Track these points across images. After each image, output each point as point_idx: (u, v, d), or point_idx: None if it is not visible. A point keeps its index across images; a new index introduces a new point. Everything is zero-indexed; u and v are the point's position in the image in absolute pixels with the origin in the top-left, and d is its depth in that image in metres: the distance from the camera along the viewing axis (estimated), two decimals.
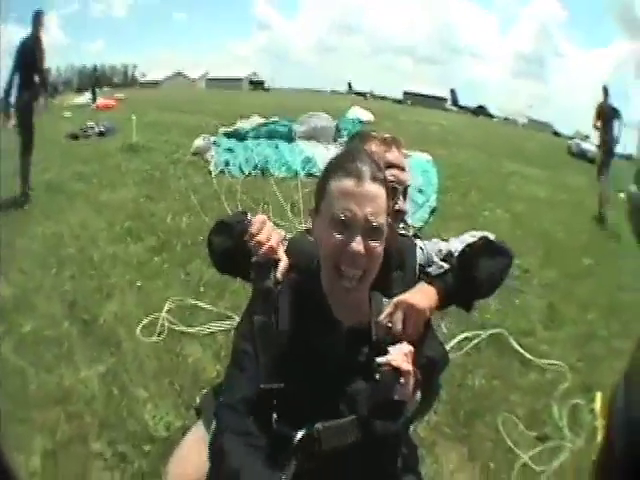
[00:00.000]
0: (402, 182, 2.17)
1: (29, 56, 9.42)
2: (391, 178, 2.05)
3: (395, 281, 2.07)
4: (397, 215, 2.15)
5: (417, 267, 2.24)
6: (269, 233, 1.81)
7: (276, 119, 15.14)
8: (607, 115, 12.85)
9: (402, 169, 2.19)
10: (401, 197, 2.18)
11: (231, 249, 1.93)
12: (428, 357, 1.80)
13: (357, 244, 1.60)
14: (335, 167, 1.72)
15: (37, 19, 9.51)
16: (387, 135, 2.25)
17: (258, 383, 1.63)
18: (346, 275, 1.65)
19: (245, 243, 1.78)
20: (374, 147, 2.16)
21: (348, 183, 1.63)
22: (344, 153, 1.83)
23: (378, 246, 1.64)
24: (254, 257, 1.76)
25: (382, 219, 1.65)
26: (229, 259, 2.00)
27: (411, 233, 2.51)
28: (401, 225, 2.37)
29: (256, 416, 1.63)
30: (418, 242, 2.34)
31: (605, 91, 13.04)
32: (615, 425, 1.53)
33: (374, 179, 1.65)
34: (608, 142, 13.05)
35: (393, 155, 2.18)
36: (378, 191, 1.65)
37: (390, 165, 2.12)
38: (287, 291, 1.79)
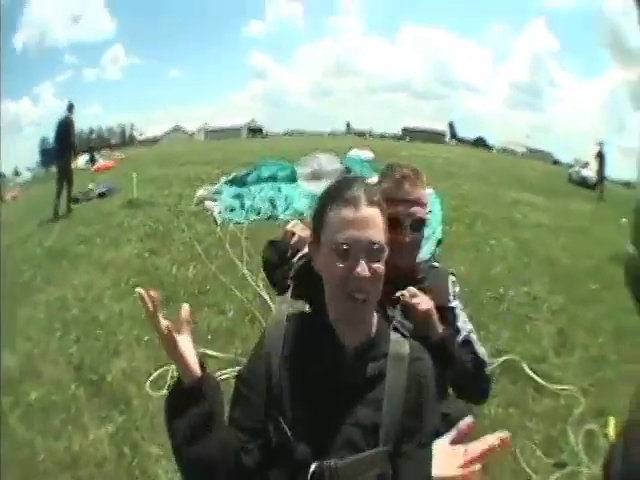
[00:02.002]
0: (408, 216, 2.31)
1: (63, 132, 14.16)
2: (395, 213, 2.21)
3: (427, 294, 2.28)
4: (404, 245, 2.28)
5: (451, 289, 2.51)
6: (300, 228, 2.39)
7: (276, 161, 15.13)
8: (601, 158, 21.45)
9: (411, 203, 2.32)
10: (408, 230, 2.31)
11: (279, 262, 2.33)
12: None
13: (362, 269, 1.62)
14: (331, 197, 1.75)
15: (70, 108, 14.40)
16: (402, 170, 2.36)
17: (258, 413, 1.69)
18: (355, 296, 1.65)
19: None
20: (386, 184, 2.35)
21: (346, 211, 1.66)
22: (338, 182, 1.86)
23: (380, 266, 1.67)
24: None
25: (381, 239, 1.68)
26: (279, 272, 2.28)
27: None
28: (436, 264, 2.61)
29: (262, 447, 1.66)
30: (451, 277, 2.57)
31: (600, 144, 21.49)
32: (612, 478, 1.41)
33: (370, 203, 1.69)
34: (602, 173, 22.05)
35: (402, 191, 2.32)
36: (375, 214, 1.69)
37: (398, 201, 2.29)
38: (294, 322, 1.84)
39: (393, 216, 2.09)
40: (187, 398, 1.54)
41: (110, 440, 4.33)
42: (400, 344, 1.79)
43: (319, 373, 1.70)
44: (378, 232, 1.67)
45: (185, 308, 1.62)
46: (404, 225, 2.27)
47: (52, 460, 4.13)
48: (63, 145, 14.29)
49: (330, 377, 1.69)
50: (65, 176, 14.35)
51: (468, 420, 1.80)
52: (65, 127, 14.21)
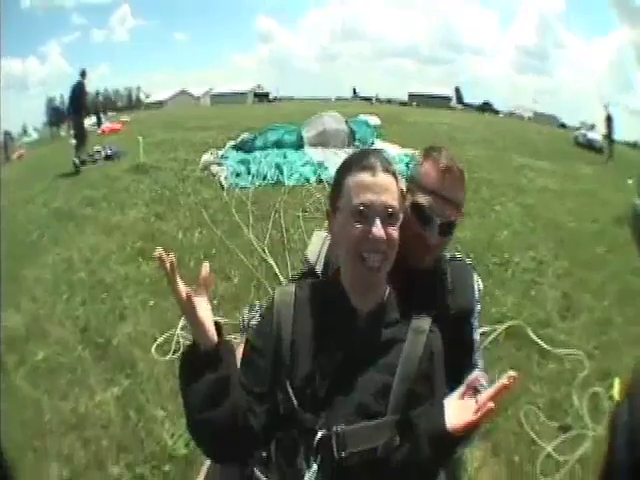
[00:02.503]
0: (439, 212, 2.02)
1: (77, 95, 15.21)
2: (426, 203, 2.02)
3: (450, 299, 2.15)
4: (425, 243, 2.02)
5: (477, 291, 2.27)
6: None
7: (283, 125, 15.08)
8: (609, 121, 20.93)
9: (447, 202, 2.04)
10: (436, 230, 2.02)
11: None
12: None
13: (378, 230, 1.66)
14: (350, 165, 1.79)
15: (83, 74, 15.28)
16: (451, 164, 2.09)
17: (265, 378, 1.72)
18: (369, 261, 1.69)
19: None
20: (430, 169, 2.09)
21: (364, 176, 1.71)
22: (357, 153, 1.89)
23: (395, 231, 1.70)
24: None
25: (397, 205, 1.72)
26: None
27: None
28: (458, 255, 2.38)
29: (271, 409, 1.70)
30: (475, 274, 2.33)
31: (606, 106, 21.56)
32: (618, 441, 1.46)
33: (386, 171, 1.74)
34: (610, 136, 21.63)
35: (444, 185, 2.05)
36: (391, 181, 1.74)
37: (435, 193, 2.03)
38: (304, 288, 1.88)
39: (422, 207, 2.00)
40: (205, 363, 1.55)
41: (116, 402, 4.37)
42: (421, 319, 1.82)
43: (331, 338, 1.73)
44: (393, 198, 1.71)
45: (206, 267, 1.59)
46: (433, 223, 2.01)
47: (58, 420, 4.18)
48: (76, 108, 15.40)
49: (343, 341, 1.72)
50: (80, 136, 15.42)
51: (477, 373, 1.78)
52: (78, 92, 15.29)
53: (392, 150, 13.67)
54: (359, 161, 1.76)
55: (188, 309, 1.53)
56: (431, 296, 2.04)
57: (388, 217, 1.69)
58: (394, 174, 1.77)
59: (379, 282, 1.80)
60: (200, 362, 1.56)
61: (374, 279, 1.75)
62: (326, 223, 1.89)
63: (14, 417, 4.16)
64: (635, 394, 1.42)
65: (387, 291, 1.85)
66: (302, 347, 1.73)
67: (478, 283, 2.30)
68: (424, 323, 1.81)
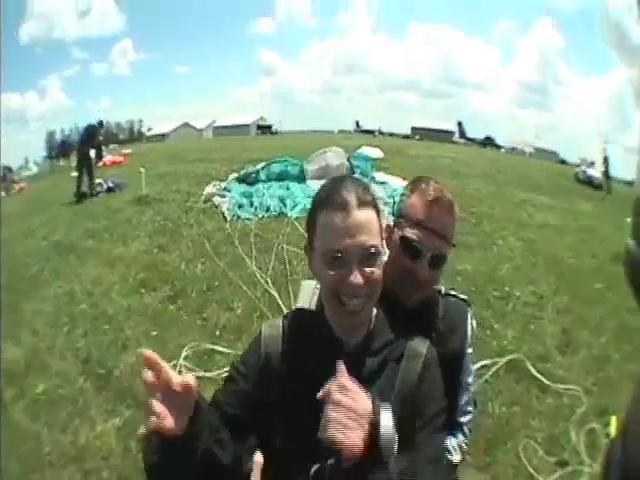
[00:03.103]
0: (429, 246, 1.96)
1: (90, 136, 16.96)
2: (415, 237, 1.96)
3: (440, 341, 1.98)
4: (417, 279, 1.95)
5: (469, 333, 2.20)
6: None
7: (286, 158, 15.14)
8: (606, 161, 22.79)
9: (436, 234, 1.98)
10: (426, 264, 1.96)
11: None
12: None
13: (355, 277, 1.55)
14: (321, 200, 1.67)
15: (100, 124, 18.16)
16: (440, 194, 2.03)
17: (245, 402, 1.66)
18: (349, 305, 1.59)
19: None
20: (417, 201, 2.03)
21: (336, 217, 1.58)
22: (329, 183, 1.75)
23: (376, 270, 1.60)
24: None
25: (376, 241, 1.60)
26: None
27: None
28: (452, 292, 2.28)
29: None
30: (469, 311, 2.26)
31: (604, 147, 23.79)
32: (611, 478, 1.39)
33: (361, 205, 1.60)
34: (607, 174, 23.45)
35: (431, 218, 1.98)
36: (368, 216, 1.60)
37: (424, 226, 1.97)
38: (291, 319, 1.82)
39: (411, 241, 1.95)
40: (181, 449, 1.39)
41: (117, 433, 4.34)
42: (418, 343, 1.75)
43: (319, 372, 1.56)
44: (372, 236, 1.60)
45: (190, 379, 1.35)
46: (423, 257, 1.96)
47: (58, 453, 4.14)
48: (87, 145, 16.79)
49: (331, 373, 1.53)
50: (89, 171, 16.33)
51: None
52: (91, 134, 17.21)
53: (394, 182, 13.72)
54: (331, 197, 1.63)
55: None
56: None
57: (367, 258, 1.58)
58: (373, 205, 1.66)
59: (362, 321, 1.71)
60: (174, 449, 1.38)
61: (356, 320, 1.67)
62: None
63: (13, 451, 4.11)
64: (629, 431, 1.37)
65: (374, 316, 1.77)
66: (291, 382, 1.68)
67: (472, 324, 2.23)
68: (420, 346, 1.75)
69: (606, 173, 23.19)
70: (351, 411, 1.39)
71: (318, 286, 2.07)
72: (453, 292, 2.26)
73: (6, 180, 24.80)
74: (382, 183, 14.04)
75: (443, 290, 2.23)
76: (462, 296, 2.30)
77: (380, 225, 1.65)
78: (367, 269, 1.57)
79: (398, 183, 13.22)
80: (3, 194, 22.87)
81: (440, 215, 2.00)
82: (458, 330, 2.15)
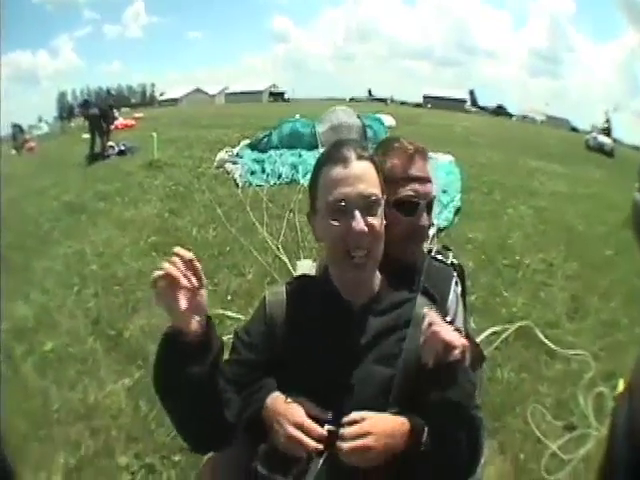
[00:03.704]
0: (424, 196, 2.00)
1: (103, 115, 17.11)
2: (411, 192, 1.98)
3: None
4: (419, 230, 2.00)
5: (451, 298, 2.11)
6: None
7: (297, 118, 15.12)
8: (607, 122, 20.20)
9: (425, 181, 2.02)
10: (424, 213, 2.00)
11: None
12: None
13: (358, 223, 1.60)
14: (322, 160, 1.75)
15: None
16: (410, 146, 2.05)
17: (251, 372, 1.68)
18: (355, 257, 1.65)
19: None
20: (395, 160, 2.02)
21: (336, 169, 1.66)
22: (329, 147, 1.82)
23: (377, 222, 1.65)
24: None
25: (376, 191, 1.67)
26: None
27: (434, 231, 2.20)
28: (439, 256, 2.27)
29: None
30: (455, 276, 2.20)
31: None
32: (617, 436, 1.44)
33: (360, 157, 1.68)
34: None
35: (415, 167, 2.02)
36: (366, 167, 1.68)
37: (412, 178, 2.00)
38: (295, 285, 1.86)
39: (407, 198, 1.96)
40: (196, 350, 1.44)
41: (127, 393, 4.34)
42: (425, 307, 1.73)
43: (326, 333, 1.69)
44: (371, 185, 1.66)
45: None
46: (420, 208, 1.98)
47: (66, 409, 4.16)
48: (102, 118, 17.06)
49: (338, 336, 1.69)
50: (96, 130, 16.67)
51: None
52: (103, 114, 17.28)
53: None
54: (331, 155, 1.72)
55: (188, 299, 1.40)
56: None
57: (368, 207, 1.63)
58: (372, 161, 1.72)
59: (368, 277, 1.76)
60: (190, 349, 1.44)
61: (362, 275, 1.71)
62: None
63: (20, 406, 4.15)
64: (635, 389, 1.40)
65: (379, 280, 1.82)
66: (297, 344, 1.70)
67: (456, 291, 2.16)
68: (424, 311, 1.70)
69: (608, 136, 23.30)
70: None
71: (314, 264, 2.24)
72: (440, 257, 2.26)
73: (16, 139, 24.75)
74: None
75: (434, 250, 2.28)
76: (451, 260, 2.29)
77: (380, 180, 1.71)
78: (369, 218, 1.62)
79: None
80: (13, 152, 22.92)
81: (423, 163, 2.03)
82: (439, 292, 2.07)
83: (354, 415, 1.54)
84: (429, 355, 1.53)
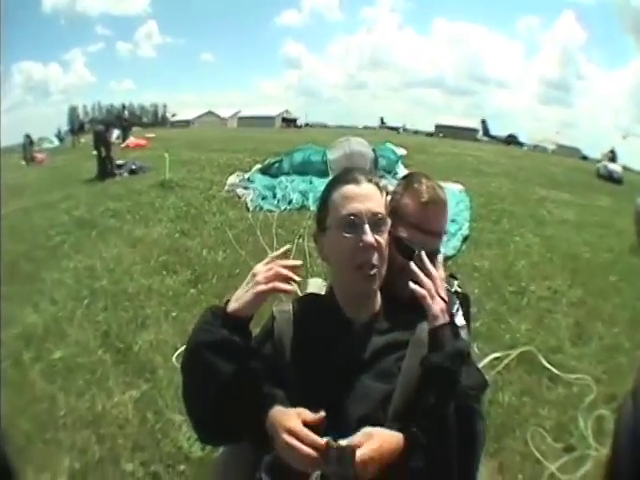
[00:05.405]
0: (423, 245, 1.95)
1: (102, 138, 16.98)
2: (408, 236, 1.99)
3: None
4: (410, 275, 1.86)
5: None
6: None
7: (309, 146, 15.23)
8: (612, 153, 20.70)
9: (426, 232, 2.00)
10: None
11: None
12: (468, 385, 1.71)
13: (368, 236, 1.71)
14: (334, 182, 1.90)
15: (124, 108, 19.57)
16: (426, 194, 2.02)
17: (256, 379, 1.70)
18: (366, 269, 1.73)
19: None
20: (408, 200, 2.05)
21: (348, 187, 1.80)
22: (340, 172, 1.98)
23: (383, 241, 1.76)
24: None
25: (382, 211, 1.79)
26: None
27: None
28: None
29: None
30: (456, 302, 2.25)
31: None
32: (622, 441, 1.42)
33: (369, 181, 1.84)
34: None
35: (423, 216, 2.01)
36: (375, 190, 1.83)
37: (414, 225, 2.00)
38: (301, 304, 1.95)
39: (404, 241, 1.96)
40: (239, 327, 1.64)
41: (134, 404, 4.39)
42: (424, 331, 1.77)
43: (328, 349, 1.76)
44: (379, 205, 1.79)
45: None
46: (416, 254, 1.90)
47: (73, 416, 4.21)
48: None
49: (341, 352, 1.75)
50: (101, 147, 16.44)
51: None
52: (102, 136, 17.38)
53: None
54: (343, 177, 1.87)
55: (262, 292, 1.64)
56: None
57: (377, 225, 1.74)
58: (377, 185, 1.85)
59: (375, 292, 1.84)
60: (242, 322, 1.65)
61: (372, 286, 1.78)
62: None
63: (26, 409, 4.23)
64: (639, 392, 1.41)
65: (380, 301, 1.89)
66: (301, 360, 1.76)
67: (459, 317, 2.20)
68: (425, 335, 1.76)
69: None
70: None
71: (324, 283, 2.28)
72: (445, 285, 2.05)
73: (26, 150, 24.94)
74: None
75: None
76: (455, 289, 2.34)
77: (385, 204, 1.85)
78: (376, 235, 1.73)
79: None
80: (23, 163, 23.10)
81: (434, 216, 2.04)
82: None
83: (363, 432, 1.55)
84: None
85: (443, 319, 1.71)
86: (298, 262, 1.73)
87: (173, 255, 8.35)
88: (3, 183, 14.51)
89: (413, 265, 1.81)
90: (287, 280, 1.66)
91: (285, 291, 1.65)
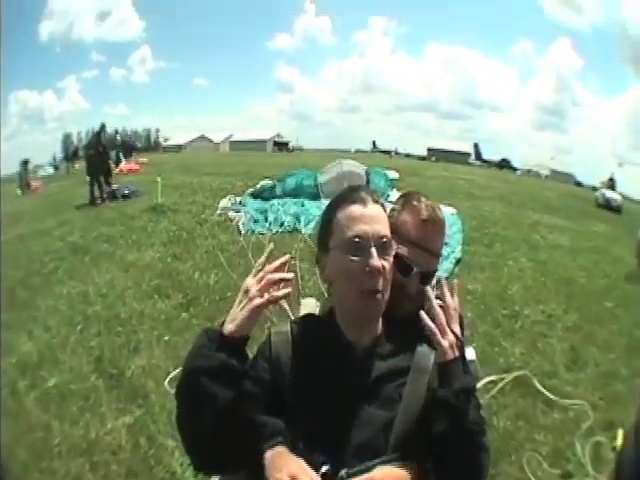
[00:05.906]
0: (420, 264, 2.00)
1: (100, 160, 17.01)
2: (406, 254, 1.99)
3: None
4: (407, 294, 1.97)
5: None
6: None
7: (301, 170, 15.27)
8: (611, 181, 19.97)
9: (424, 250, 2.03)
10: (417, 280, 2.00)
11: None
12: (474, 421, 1.67)
13: (375, 260, 1.65)
14: (338, 201, 1.81)
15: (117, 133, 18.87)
16: (425, 211, 2.05)
17: (254, 405, 1.67)
18: (372, 288, 1.67)
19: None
20: (407, 217, 2.07)
21: (355, 208, 1.73)
22: (343, 190, 1.89)
23: (388, 266, 1.70)
24: None
25: (389, 234, 1.73)
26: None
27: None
28: None
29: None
30: None
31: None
32: (624, 473, 1.46)
33: (375, 202, 1.77)
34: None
35: (422, 234, 2.03)
36: (380, 211, 1.77)
37: (412, 242, 2.01)
38: (300, 325, 1.89)
39: (401, 258, 1.95)
40: (233, 349, 1.62)
41: (127, 430, 4.40)
42: (425, 356, 1.77)
43: (328, 373, 1.71)
44: (385, 227, 1.73)
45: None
46: (413, 274, 1.99)
47: (67, 444, 4.21)
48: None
49: (341, 378, 1.70)
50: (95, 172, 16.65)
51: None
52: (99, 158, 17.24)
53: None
54: (348, 196, 1.79)
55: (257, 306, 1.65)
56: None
57: (383, 248, 1.68)
58: (383, 206, 1.80)
59: (379, 315, 1.79)
60: (235, 343, 1.63)
61: (377, 311, 1.74)
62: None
63: (21, 439, 4.23)
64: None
65: (381, 326, 1.84)
66: (300, 384, 1.71)
67: (470, 351, 2.23)
68: (427, 360, 1.76)
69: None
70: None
71: (318, 303, 2.28)
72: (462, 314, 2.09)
73: (22, 177, 24.94)
74: None
75: None
76: None
77: (389, 226, 1.77)
78: (382, 259, 1.67)
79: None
80: (18, 192, 23.09)
81: (432, 235, 2.06)
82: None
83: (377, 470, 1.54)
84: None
85: (452, 355, 1.68)
86: (289, 275, 1.72)
87: (165, 279, 8.37)
88: (3, 212, 14.56)
89: (429, 291, 1.75)
90: (280, 282, 1.69)
91: (282, 297, 1.66)
